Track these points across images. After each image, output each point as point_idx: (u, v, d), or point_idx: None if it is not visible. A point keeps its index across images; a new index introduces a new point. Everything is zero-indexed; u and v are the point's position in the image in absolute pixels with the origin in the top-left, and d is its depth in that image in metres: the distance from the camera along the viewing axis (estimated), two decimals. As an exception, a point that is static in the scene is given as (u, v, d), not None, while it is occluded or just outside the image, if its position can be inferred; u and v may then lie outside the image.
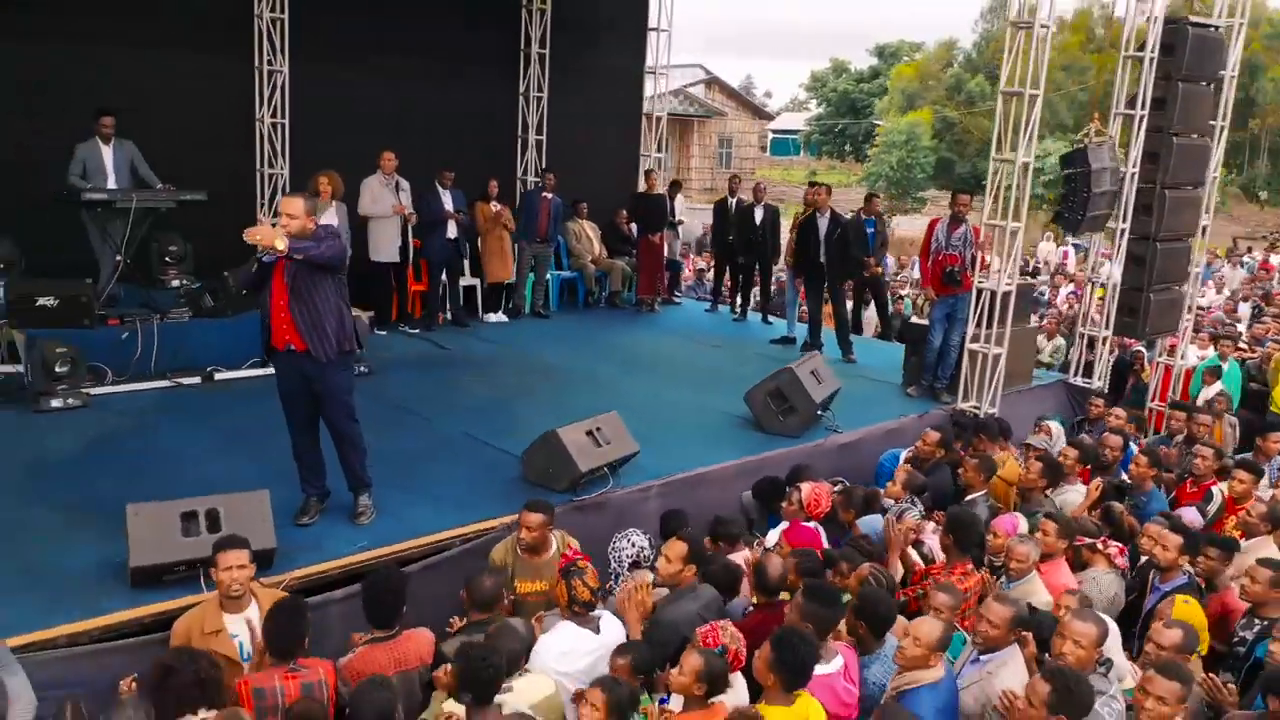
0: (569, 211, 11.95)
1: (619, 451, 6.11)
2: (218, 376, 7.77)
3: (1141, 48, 8.78)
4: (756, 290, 11.95)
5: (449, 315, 10.48)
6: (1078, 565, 5.30)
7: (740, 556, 5.17)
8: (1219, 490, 6.33)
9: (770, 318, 11.72)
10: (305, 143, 9.83)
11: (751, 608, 4.49)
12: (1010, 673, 3.97)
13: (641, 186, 12.07)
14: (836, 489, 5.96)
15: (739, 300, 11.91)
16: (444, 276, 10.30)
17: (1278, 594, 4.57)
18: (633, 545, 4.90)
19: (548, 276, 11.49)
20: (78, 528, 4.96)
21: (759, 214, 11.35)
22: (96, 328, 7.43)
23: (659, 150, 12.91)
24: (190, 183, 8.22)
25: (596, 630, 4.28)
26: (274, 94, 9.70)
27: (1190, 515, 5.92)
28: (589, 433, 6.00)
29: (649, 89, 13.03)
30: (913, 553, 5.27)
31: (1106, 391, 10.04)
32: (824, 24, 77.64)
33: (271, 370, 5.47)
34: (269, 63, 9.62)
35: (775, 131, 61.49)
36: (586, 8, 12.08)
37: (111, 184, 7.86)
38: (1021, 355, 8.87)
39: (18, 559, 4.67)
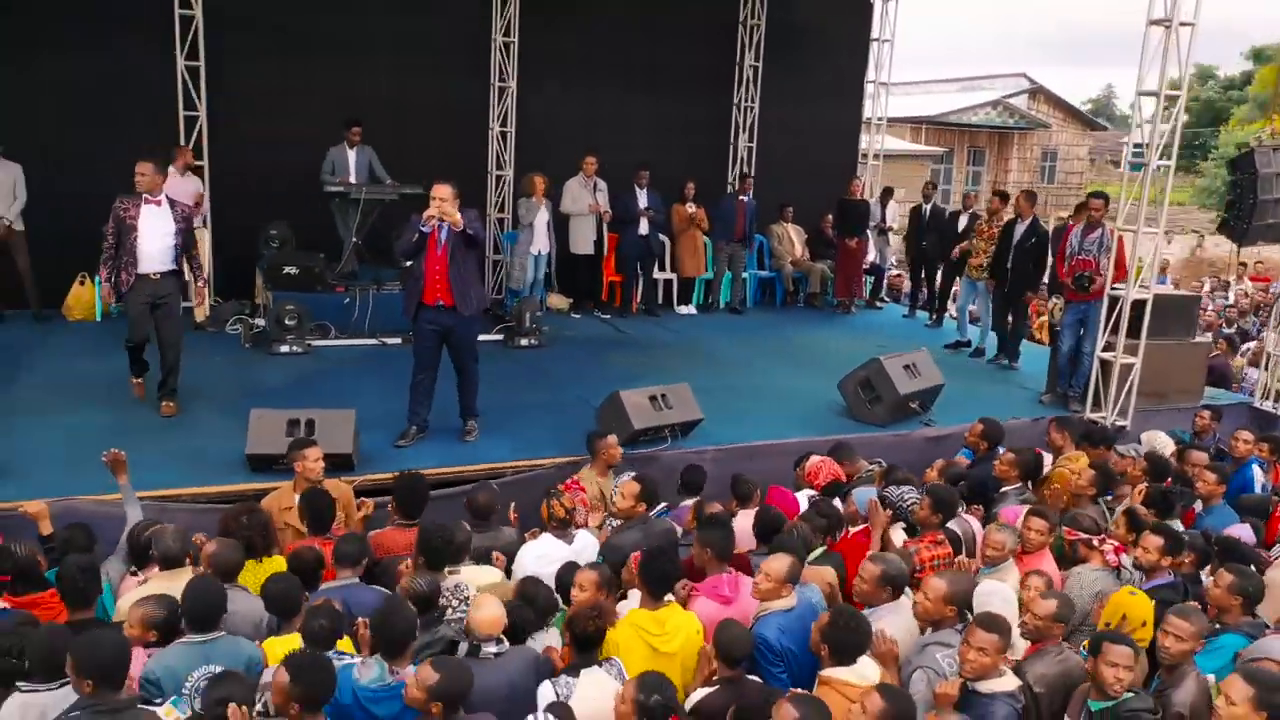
0: (774, 214, 12.64)
1: (680, 416, 6.88)
2: (416, 339, 9.41)
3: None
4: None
5: (643, 305, 11.59)
6: (1072, 560, 5.34)
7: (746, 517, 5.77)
8: (1309, 515, 5.90)
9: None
10: (527, 148, 11.38)
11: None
12: (889, 622, 4.33)
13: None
14: (872, 466, 6.34)
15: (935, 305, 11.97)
16: (639, 269, 11.44)
17: (1238, 601, 4.48)
18: (622, 487, 5.68)
19: (745, 275, 12.25)
20: (242, 430, 6.56)
21: (963, 221, 11.37)
22: (326, 293, 9.34)
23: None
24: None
25: (569, 543, 5.18)
26: (503, 107, 11.35)
27: (1244, 533, 5.63)
28: (652, 397, 6.83)
29: (868, 97, 13.37)
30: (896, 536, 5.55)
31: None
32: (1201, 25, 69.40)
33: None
34: (500, 79, 11.27)
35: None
36: (804, 22, 12.67)
37: (352, 180, 9.77)
38: (1182, 371, 8.40)
39: (186, 444, 6.42)
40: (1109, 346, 7.85)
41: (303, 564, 4.63)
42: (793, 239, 12.67)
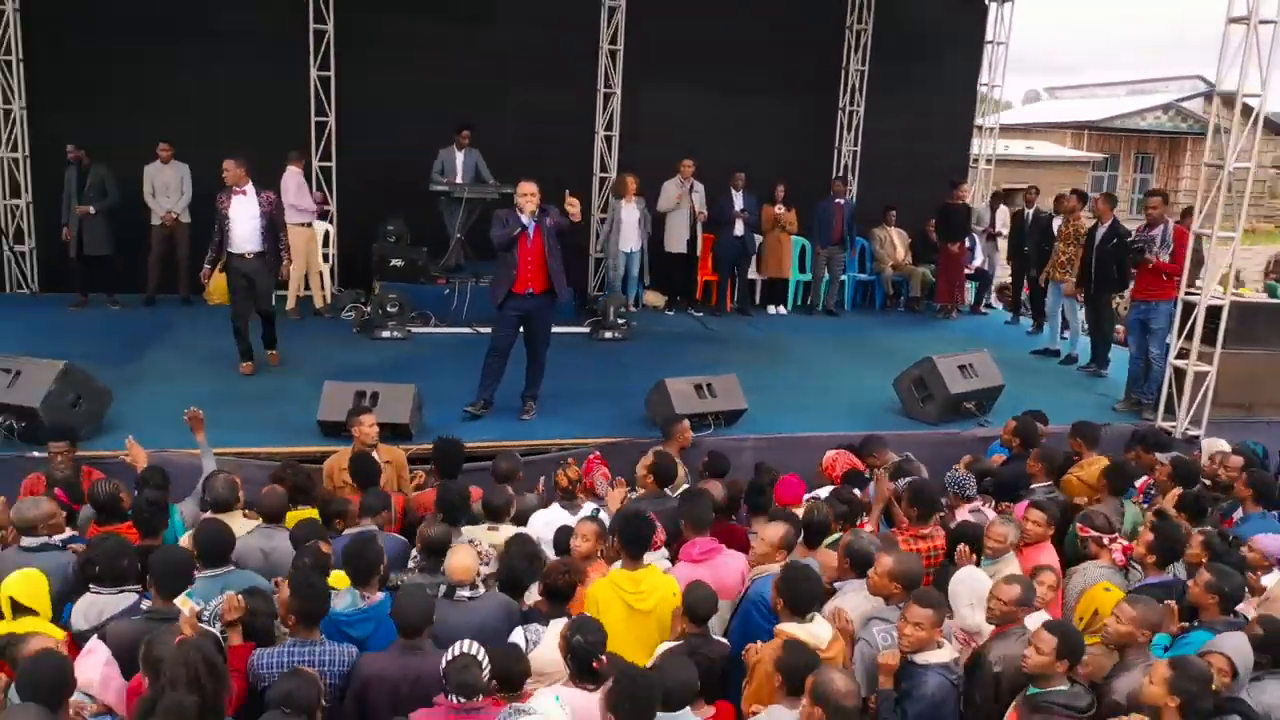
0: (878, 217, 12.65)
1: (723, 405, 7.17)
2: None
3: None
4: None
5: (736, 304, 11.87)
6: (1083, 556, 5.36)
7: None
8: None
9: (1066, 332, 11.35)
10: (629, 151, 11.88)
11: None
12: (848, 599, 4.54)
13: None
14: (899, 459, 6.47)
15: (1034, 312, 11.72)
16: (734, 270, 11.74)
17: (1213, 599, 4.45)
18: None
19: (843, 278, 12.32)
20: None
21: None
22: (429, 284, 10.10)
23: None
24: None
25: (574, 513, 5.60)
26: (609, 112, 11.87)
27: (1270, 543, 5.46)
28: (697, 386, 7.16)
29: (979, 102, 13.20)
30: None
31: None
32: None
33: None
34: (606, 86, 11.80)
35: (1335, 152, 52.45)
36: (913, 25, 12.63)
37: (459, 180, 10.49)
38: (1273, 382, 8.03)
39: (274, 411, 7.21)
40: (1183, 353, 7.63)
41: (327, 510, 5.28)
42: (895, 242, 12.65)
